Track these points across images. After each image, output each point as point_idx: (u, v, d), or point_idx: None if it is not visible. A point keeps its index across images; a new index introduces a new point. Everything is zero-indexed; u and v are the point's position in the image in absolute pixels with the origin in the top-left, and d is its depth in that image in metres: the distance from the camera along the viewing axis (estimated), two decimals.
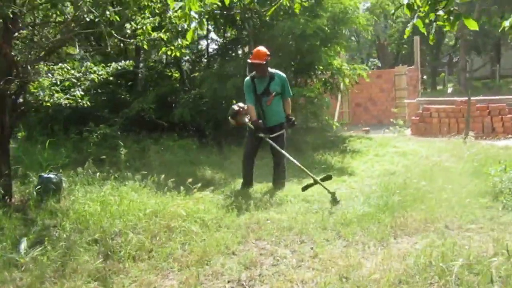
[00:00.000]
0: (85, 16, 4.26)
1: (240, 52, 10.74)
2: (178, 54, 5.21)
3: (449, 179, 5.90)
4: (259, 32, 9.38)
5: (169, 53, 5.16)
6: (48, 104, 5.83)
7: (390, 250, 3.68)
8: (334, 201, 5.17)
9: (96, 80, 6.12)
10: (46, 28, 4.64)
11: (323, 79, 9.60)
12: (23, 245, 3.55)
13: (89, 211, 4.22)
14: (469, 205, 4.90)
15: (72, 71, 5.92)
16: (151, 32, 4.53)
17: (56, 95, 5.66)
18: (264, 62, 5.97)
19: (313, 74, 9.57)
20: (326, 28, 8.16)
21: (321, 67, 9.30)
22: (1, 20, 4.29)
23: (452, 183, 5.66)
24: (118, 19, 4.44)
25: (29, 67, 4.43)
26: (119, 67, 6.40)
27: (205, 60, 11.20)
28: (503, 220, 4.35)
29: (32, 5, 4.31)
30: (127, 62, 6.48)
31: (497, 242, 3.62)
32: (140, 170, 6.11)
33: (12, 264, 3.27)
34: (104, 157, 6.74)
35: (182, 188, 4.96)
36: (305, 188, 5.69)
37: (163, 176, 5.44)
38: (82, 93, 6.09)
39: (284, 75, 6.28)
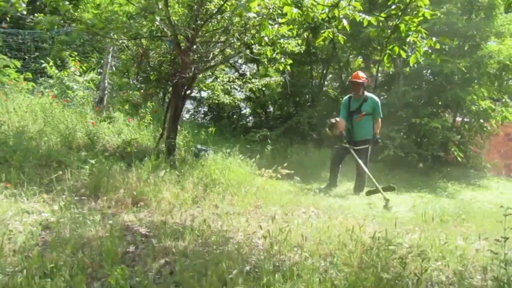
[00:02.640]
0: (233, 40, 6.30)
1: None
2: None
3: None
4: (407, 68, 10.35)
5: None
6: (216, 100, 8.15)
7: None
8: (386, 206, 6.06)
9: (254, 88, 8.23)
10: (210, 46, 6.80)
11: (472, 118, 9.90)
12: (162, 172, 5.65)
13: (211, 168, 6.16)
14: None
15: (236, 80, 8.17)
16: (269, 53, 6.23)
17: (221, 94, 7.95)
18: (360, 81, 7.02)
19: (457, 110, 10.04)
20: (465, 70, 8.65)
21: (468, 105, 9.69)
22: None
23: None
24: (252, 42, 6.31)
25: (197, 70, 6.62)
26: (270, 81, 8.40)
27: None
28: None
29: (202, 30, 6.50)
30: (278, 78, 8.42)
31: None
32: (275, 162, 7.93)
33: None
34: (248, 146, 8.77)
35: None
36: (369, 193, 6.67)
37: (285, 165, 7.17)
38: (243, 96, 8.27)
39: (377, 99, 7.17)
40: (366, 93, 7.26)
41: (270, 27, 4.83)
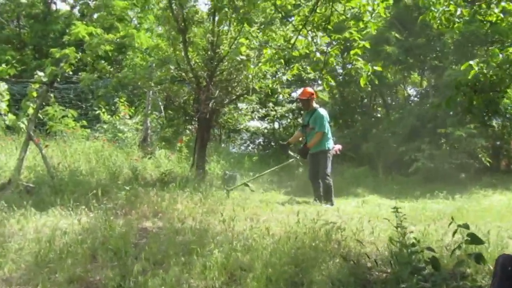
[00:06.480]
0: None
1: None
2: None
3: None
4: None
5: None
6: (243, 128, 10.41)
7: None
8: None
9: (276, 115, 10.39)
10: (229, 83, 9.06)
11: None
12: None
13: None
14: None
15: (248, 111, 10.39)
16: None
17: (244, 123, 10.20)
18: (305, 98, 8.57)
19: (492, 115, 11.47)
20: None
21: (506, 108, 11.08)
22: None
23: None
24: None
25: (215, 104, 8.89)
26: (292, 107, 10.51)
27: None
28: None
29: (218, 70, 8.82)
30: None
31: None
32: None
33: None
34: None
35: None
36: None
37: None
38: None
39: (322, 112, 8.65)
40: (316, 107, 8.79)
41: (252, 66, 7.03)
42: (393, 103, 15.37)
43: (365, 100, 15.95)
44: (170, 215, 6.73)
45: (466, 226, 4.14)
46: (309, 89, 8.89)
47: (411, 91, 16.69)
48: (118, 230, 5.57)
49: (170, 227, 6.03)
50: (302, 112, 9.70)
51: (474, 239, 4.09)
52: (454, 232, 4.25)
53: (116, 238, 5.19)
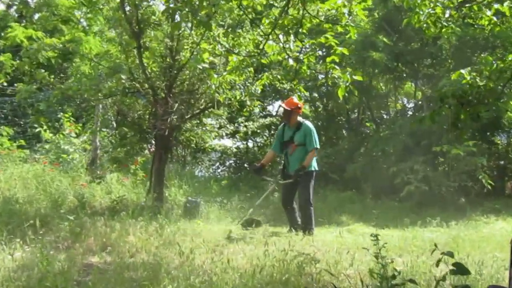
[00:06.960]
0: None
1: None
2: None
3: None
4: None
5: None
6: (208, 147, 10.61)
7: None
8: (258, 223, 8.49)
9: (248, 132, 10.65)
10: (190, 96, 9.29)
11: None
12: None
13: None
14: None
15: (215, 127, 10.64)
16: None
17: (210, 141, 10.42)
18: (289, 109, 8.46)
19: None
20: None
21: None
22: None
23: None
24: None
25: (174, 119, 9.09)
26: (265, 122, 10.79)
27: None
28: None
29: (178, 80, 9.04)
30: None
31: None
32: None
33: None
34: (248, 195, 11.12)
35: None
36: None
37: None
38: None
39: (311, 126, 8.63)
40: (301, 120, 8.76)
41: (216, 75, 7.26)
42: (388, 117, 15.76)
43: (355, 114, 16.35)
44: (120, 249, 6.87)
45: (450, 254, 4.36)
46: (296, 100, 8.67)
47: (405, 102, 17.18)
48: (58, 265, 5.68)
49: (120, 262, 6.18)
50: (279, 126, 9.49)
51: (460, 269, 4.31)
52: (438, 262, 4.47)
53: (55, 275, 5.29)
